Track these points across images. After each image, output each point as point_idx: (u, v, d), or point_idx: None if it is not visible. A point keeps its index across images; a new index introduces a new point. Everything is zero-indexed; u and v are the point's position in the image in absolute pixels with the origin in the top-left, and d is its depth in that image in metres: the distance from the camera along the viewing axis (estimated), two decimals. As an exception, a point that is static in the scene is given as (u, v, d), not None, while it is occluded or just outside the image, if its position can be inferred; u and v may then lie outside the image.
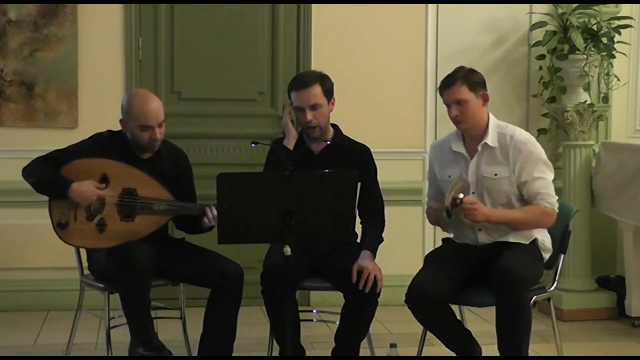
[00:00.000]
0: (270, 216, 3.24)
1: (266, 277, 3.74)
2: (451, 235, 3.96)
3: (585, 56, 5.23)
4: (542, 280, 3.81)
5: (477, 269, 3.71)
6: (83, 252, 4.00)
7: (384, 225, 3.99)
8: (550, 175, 3.76)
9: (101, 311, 3.87)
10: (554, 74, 5.37)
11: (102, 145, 3.86)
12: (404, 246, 5.31)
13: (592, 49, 5.26)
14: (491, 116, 3.82)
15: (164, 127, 3.86)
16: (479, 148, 3.77)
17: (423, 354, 3.93)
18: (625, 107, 5.74)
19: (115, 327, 3.87)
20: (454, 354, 3.78)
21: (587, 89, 5.31)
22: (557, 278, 3.87)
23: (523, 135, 3.79)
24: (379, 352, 4.01)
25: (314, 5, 5.38)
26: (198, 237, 3.96)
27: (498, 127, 3.80)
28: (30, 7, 5.13)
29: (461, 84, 3.72)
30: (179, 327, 4.15)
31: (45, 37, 5.15)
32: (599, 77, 5.42)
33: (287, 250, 3.22)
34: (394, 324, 4.88)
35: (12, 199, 5.08)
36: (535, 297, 3.67)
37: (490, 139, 3.76)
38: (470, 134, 3.80)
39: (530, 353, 3.63)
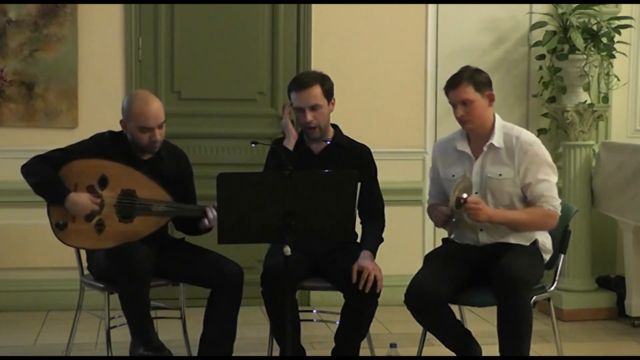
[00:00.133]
0: (270, 216, 3.24)
1: (266, 277, 3.74)
2: (452, 236, 3.95)
3: (585, 56, 5.23)
4: (542, 280, 3.81)
5: (477, 270, 3.71)
6: (83, 252, 4.00)
7: (384, 226, 3.98)
8: (554, 178, 3.76)
9: (101, 311, 3.87)
10: (554, 74, 5.37)
11: (102, 145, 3.86)
12: (404, 246, 5.30)
13: (592, 49, 5.26)
14: (497, 117, 3.81)
15: (164, 128, 3.86)
16: (485, 148, 3.76)
17: (423, 354, 3.93)
18: (625, 107, 5.74)
19: (115, 327, 3.87)
20: (454, 354, 3.78)
21: (587, 89, 5.31)
22: (557, 278, 3.87)
23: (529, 137, 3.79)
24: (379, 352, 4.01)
25: (314, 5, 5.38)
26: (198, 237, 3.96)
27: (504, 127, 3.79)
28: (30, 7, 5.13)
29: (467, 84, 3.71)
30: (179, 327, 4.15)
31: (45, 37, 5.15)
32: (599, 77, 5.42)
33: (287, 250, 3.22)
34: (394, 324, 4.88)
35: (12, 199, 5.08)
36: (535, 297, 3.67)
37: (496, 140, 3.75)
38: (476, 134, 3.80)
39: (531, 353, 3.63)
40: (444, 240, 3.99)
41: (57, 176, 3.74)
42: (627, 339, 4.90)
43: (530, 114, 5.63)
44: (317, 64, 5.22)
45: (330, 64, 4.96)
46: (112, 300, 3.78)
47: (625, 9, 5.52)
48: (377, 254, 3.88)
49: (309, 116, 3.84)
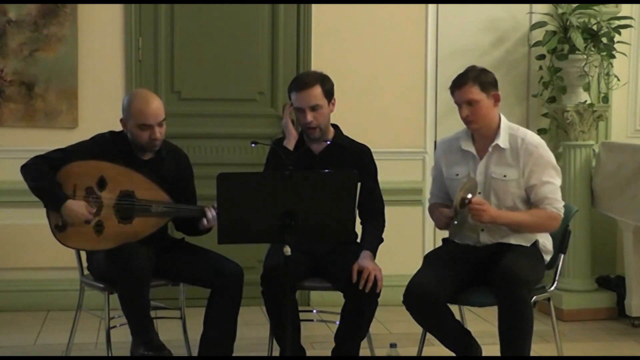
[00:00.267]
0: (270, 216, 3.24)
1: (266, 277, 3.73)
2: (455, 238, 3.94)
3: (585, 56, 5.23)
4: (542, 280, 3.81)
5: (477, 270, 3.71)
6: (83, 252, 3.99)
7: (384, 226, 3.98)
8: (558, 181, 3.76)
9: (101, 311, 3.87)
10: (554, 74, 5.37)
11: (102, 146, 3.86)
12: (404, 246, 5.30)
13: (592, 49, 5.26)
14: (502, 117, 3.81)
15: (164, 127, 3.86)
16: (490, 149, 3.76)
17: (423, 354, 3.93)
18: (625, 107, 5.74)
19: (115, 327, 3.87)
20: (454, 354, 3.78)
21: (587, 89, 5.31)
22: (557, 278, 3.87)
23: (535, 138, 3.78)
24: (379, 352, 4.01)
25: (314, 5, 5.38)
26: (198, 237, 3.96)
27: (509, 128, 3.79)
28: (30, 7, 5.13)
29: (473, 84, 3.70)
30: (179, 327, 4.15)
31: (45, 37, 5.15)
32: (599, 77, 5.42)
33: (287, 250, 3.22)
34: (394, 324, 4.88)
35: (12, 199, 5.08)
36: (535, 297, 3.67)
37: (502, 141, 3.75)
38: (481, 134, 3.79)
39: (531, 353, 3.62)
40: (444, 240, 3.99)
41: (55, 181, 3.73)
42: (627, 339, 4.90)
43: (530, 114, 5.63)
44: (317, 64, 5.22)
45: (330, 64, 4.96)
46: (112, 300, 3.78)
47: (625, 9, 5.53)
48: (377, 254, 3.88)
49: (309, 116, 3.84)
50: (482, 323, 4.71)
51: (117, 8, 5.23)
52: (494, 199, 3.75)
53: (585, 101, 5.29)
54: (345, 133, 4.03)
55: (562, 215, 3.74)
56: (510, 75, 5.57)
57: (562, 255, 3.87)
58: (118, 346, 3.96)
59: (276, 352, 3.87)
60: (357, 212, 3.65)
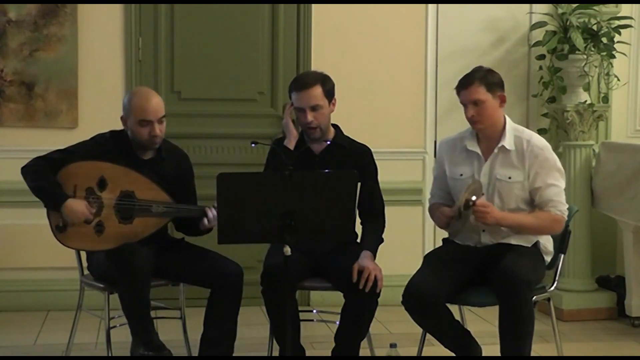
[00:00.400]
0: (270, 216, 3.24)
1: (266, 277, 3.73)
2: (456, 238, 3.94)
3: (585, 56, 5.23)
4: (543, 280, 3.81)
5: (477, 270, 3.71)
6: (83, 252, 3.99)
7: (384, 226, 3.98)
8: (562, 183, 3.76)
9: (101, 311, 3.87)
10: (554, 74, 5.37)
11: (102, 146, 3.86)
12: (404, 246, 5.30)
13: (592, 49, 5.26)
14: (507, 118, 3.81)
15: (165, 125, 3.86)
16: (495, 150, 3.76)
17: (423, 354, 3.93)
18: (625, 107, 5.74)
19: (115, 327, 3.87)
20: (454, 354, 3.78)
21: (587, 89, 5.31)
22: (557, 278, 3.87)
23: (540, 141, 3.79)
24: (379, 352, 4.01)
25: (314, 5, 5.38)
26: (198, 237, 3.96)
27: (515, 130, 3.79)
28: (30, 7, 5.13)
29: (479, 84, 3.70)
30: (179, 327, 4.15)
31: (45, 37, 5.15)
32: (599, 77, 5.42)
33: (287, 250, 3.22)
34: (394, 324, 4.88)
35: (12, 199, 5.08)
36: (535, 297, 3.67)
37: (508, 142, 3.75)
38: (486, 135, 3.79)
39: (531, 353, 3.62)
40: (444, 240, 3.99)
41: (55, 181, 3.73)
42: (627, 339, 4.90)
43: (530, 114, 5.63)
44: (317, 64, 5.22)
45: (330, 63, 4.97)
46: (112, 300, 3.78)
47: (625, 9, 5.53)
48: (377, 254, 3.88)
49: (310, 116, 3.84)
50: (482, 323, 4.72)
51: (117, 8, 5.23)
52: (497, 201, 3.75)
53: (585, 101, 5.29)
54: (345, 133, 4.03)
55: (566, 218, 3.75)
56: (510, 75, 5.56)
57: (562, 255, 3.87)
58: (118, 346, 3.96)
59: (276, 352, 3.87)
60: (357, 212, 3.65)
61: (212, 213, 3.74)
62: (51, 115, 5.18)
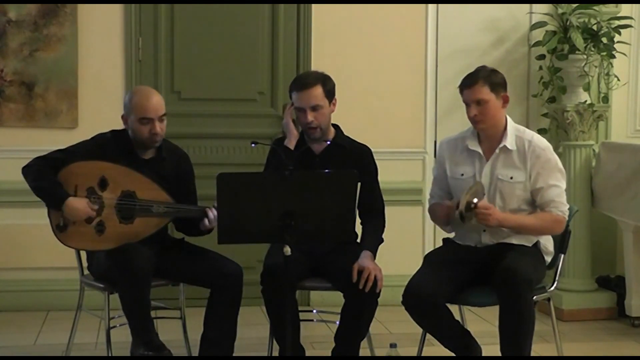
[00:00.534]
0: (270, 216, 3.24)
1: (266, 277, 3.74)
2: (452, 235, 3.95)
3: (585, 56, 5.23)
4: (543, 280, 3.81)
5: (477, 271, 3.71)
6: (83, 252, 4.00)
7: (384, 226, 3.98)
8: (563, 184, 3.77)
9: (101, 311, 3.87)
10: (554, 74, 5.37)
11: (103, 146, 3.86)
12: (404, 246, 5.30)
13: (592, 49, 5.26)
14: (509, 119, 3.81)
15: (165, 123, 3.86)
16: (497, 150, 3.76)
17: (423, 354, 3.92)
18: (625, 107, 5.74)
19: (115, 327, 3.87)
20: (454, 354, 3.78)
21: (587, 89, 5.31)
22: (557, 278, 3.87)
23: (542, 141, 3.79)
24: (379, 352, 4.01)
25: (314, 5, 5.38)
26: (198, 237, 3.96)
27: (516, 130, 3.79)
28: (30, 7, 5.13)
29: (483, 84, 3.70)
30: (179, 327, 4.15)
31: (45, 37, 5.15)
32: (599, 77, 5.42)
33: (287, 250, 3.22)
34: (394, 324, 4.88)
35: (12, 199, 5.08)
36: (535, 297, 3.67)
37: (509, 142, 3.75)
38: (487, 135, 3.79)
39: (531, 353, 3.62)
40: (444, 240, 3.99)
41: (56, 180, 3.73)
42: (627, 339, 4.90)
43: (530, 114, 5.63)
44: (317, 64, 5.22)
45: (330, 63, 4.96)
46: (112, 300, 3.78)
47: (625, 9, 5.52)
48: (377, 254, 3.88)
49: (310, 116, 3.84)
50: (482, 323, 4.72)
51: (117, 8, 5.23)
52: (499, 201, 3.75)
53: (585, 101, 5.29)
54: (345, 133, 4.03)
55: (567, 218, 3.75)
56: (510, 75, 5.52)
57: (562, 255, 3.87)
58: (118, 346, 3.96)
59: (276, 352, 3.87)
60: (357, 212, 3.65)
61: (212, 213, 3.74)
62: (51, 115, 5.18)
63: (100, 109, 5.15)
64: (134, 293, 3.65)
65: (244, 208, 3.27)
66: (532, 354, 3.65)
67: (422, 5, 5.49)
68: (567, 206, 3.76)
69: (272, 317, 3.82)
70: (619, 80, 5.45)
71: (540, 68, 5.48)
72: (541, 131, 5.37)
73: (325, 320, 4.33)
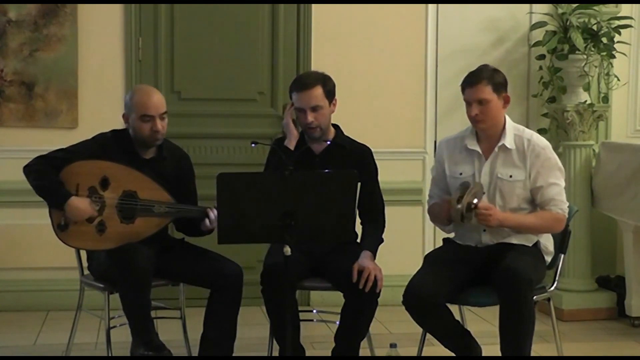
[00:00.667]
0: (270, 216, 3.24)
1: (266, 277, 3.73)
2: (451, 235, 3.95)
3: (585, 56, 5.23)
4: (543, 280, 3.81)
5: (477, 271, 3.71)
6: (83, 252, 4.00)
7: (384, 226, 3.98)
8: (563, 182, 3.78)
9: (101, 311, 3.87)
10: (554, 74, 5.37)
11: (104, 146, 3.86)
12: (404, 246, 5.30)
13: (592, 49, 5.26)
14: (507, 118, 3.81)
15: (166, 122, 3.86)
16: (496, 149, 3.76)
17: (423, 354, 3.92)
18: (625, 107, 5.74)
19: (115, 327, 3.87)
20: (454, 354, 3.78)
21: (587, 89, 5.31)
22: (557, 278, 3.88)
23: (541, 140, 3.79)
24: (379, 352, 4.01)
25: (314, 5, 5.38)
26: (198, 238, 3.95)
27: (515, 129, 3.79)
28: (30, 7, 5.13)
29: (486, 84, 3.69)
30: (179, 327, 4.15)
31: (45, 37, 5.15)
32: (599, 77, 5.42)
33: (287, 250, 3.23)
34: (394, 324, 4.88)
35: (12, 199, 5.08)
36: (535, 296, 3.67)
37: (508, 141, 3.75)
38: (486, 134, 3.79)
39: (531, 353, 3.62)
40: (444, 240, 3.99)
41: (58, 180, 3.73)
42: (627, 339, 4.90)
43: (530, 114, 5.63)
44: (317, 64, 5.22)
45: (330, 64, 4.96)
46: (112, 300, 3.78)
47: (625, 9, 5.52)
48: (377, 254, 3.88)
49: (310, 117, 3.84)
50: (482, 323, 4.72)
51: (117, 8, 5.23)
52: (499, 200, 3.75)
53: (585, 101, 5.29)
54: (345, 133, 4.03)
55: (567, 216, 3.75)
56: (510, 75, 5.47)
57: (562, 255, 3.88)
58: (118, 346, 3.96)
59: (276, 352, 3.87)
60: (357, 212, 3.64)
61: (213, 214, 3.74)
62: (51, 115, 5.18)
63: (100, 109, 5.15)
64: (134, 293, 3.65)
65: (244, 208, 3.27)
66: (532, 354, 3.65)
67: (422, 5, 5.49)
68: (567, 204, 3.77)
69: (272, 317, 3.82)
70: (619, 80, 5.45)
71: (540, 68, 5.48)
72: (541, 131, 5.37)
73: (325, 320, 4.33)
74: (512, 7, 5.55)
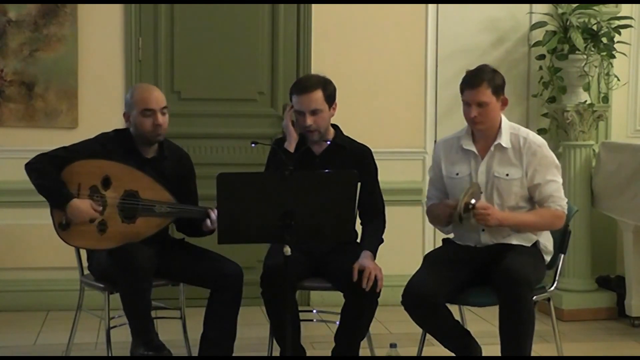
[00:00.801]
0: (270, 216, 3.24)
1: (266, 277, 3.73)
2: (451, 236, 3.95)
3: (585, 56, 5.23)
4: (543, 280, 3.81)
5: (477, 271, 3.71)
6: (83, 252, 4.00)
7: (384, 226, 3.98)
8: (560, 179, 3.78)
9: (101, 311, 3.87)
10: (554, 74, 5.37)
11: (105, 146, 3.86)
12: (404, 246, 5.30)
13: (592, 49, 5.26)
14: (503, 117, 3.81)
15: (167, 117, 3.86)
16: (492, 148, 3.76)
17: (423, 354, 3.92)
18: (625, 107, 5.74)
19: (115, 327, 3.87)
20: (454, 354, 3.78)
21: (587, 89, 5.31)
22: (557, 278, 3.88)
23: (537, 138, 3.80)
24: (379, 352, 4.01)
25: (314, 5, 5.38)
26: (198, 238, 3.95)
27: (510, 128, 3.80)
28: (30, 7, 5.13)
29: (487, 86, 3.69)
30: (179, 327, 4.15)
31: (45, 37, 5.15)
32: (599, 77, 5.42)
33: (287, 250, 3.23)
34: (394, 324, 4.88)
35: (12, 199, 5.08)
36: (535, 297, 3.67)
37: (504, 140, 3.75)
38: (482, 134, 3.80)
39: (531, 353, 3.62)
40: (444, 240, 3.99)
41: (60, 179, 3.73)
42: (627, 339, 4.90)
43: (530, 114, 5.63)
44: (317, 64, 5.22)
45: (330, 64, 4.97)
46: (112, 300, 3.78)
47: (625, 9, 5.52)
48: (377, 253, 3.88)
49: (309, 120, 3.84)
50: (482, 323, 4.72)
51: (117, 8, 5.23)
52: (496, 199, 3.75)
53: (585, 101, 5.29)
54: (345, 133, 4.03)
55: (566, 212, 3.75)
56: (510, 75, 5.54)
57: (562, 255, 3.88)
58: (118, 346, 3.96)
59: (276, 352, 3.88)
60: (357, 212, 3.64)
61: (214, 214, 3.74)
62: (51, 115, 5.18)
63: (100, 109, 5.15)
64: (135, 293, 3.65)
65: (244, 208, 3.27)
66: (532, 354, 3.65)
67: (422, 5, 5.49)
68: (566, 200, 3.77)
69: (272, 318, 3.82)
70: (619, 80, 5.45)
71: (540, 68, 5.48)
72: (541, 131, 5.38)
73: (325, 320, 4.33)
74: (512, 7, 5.55)
